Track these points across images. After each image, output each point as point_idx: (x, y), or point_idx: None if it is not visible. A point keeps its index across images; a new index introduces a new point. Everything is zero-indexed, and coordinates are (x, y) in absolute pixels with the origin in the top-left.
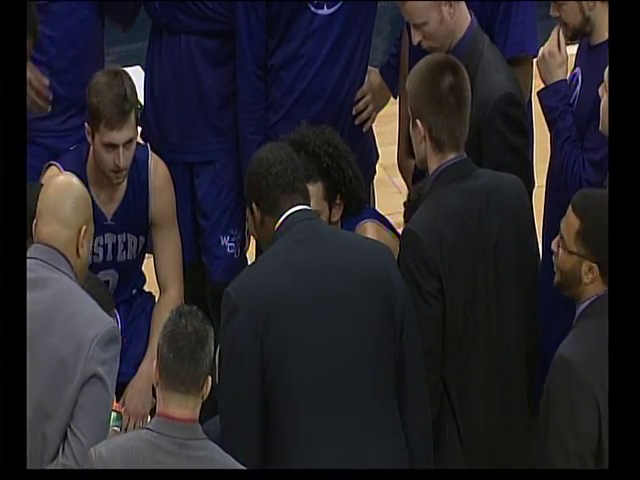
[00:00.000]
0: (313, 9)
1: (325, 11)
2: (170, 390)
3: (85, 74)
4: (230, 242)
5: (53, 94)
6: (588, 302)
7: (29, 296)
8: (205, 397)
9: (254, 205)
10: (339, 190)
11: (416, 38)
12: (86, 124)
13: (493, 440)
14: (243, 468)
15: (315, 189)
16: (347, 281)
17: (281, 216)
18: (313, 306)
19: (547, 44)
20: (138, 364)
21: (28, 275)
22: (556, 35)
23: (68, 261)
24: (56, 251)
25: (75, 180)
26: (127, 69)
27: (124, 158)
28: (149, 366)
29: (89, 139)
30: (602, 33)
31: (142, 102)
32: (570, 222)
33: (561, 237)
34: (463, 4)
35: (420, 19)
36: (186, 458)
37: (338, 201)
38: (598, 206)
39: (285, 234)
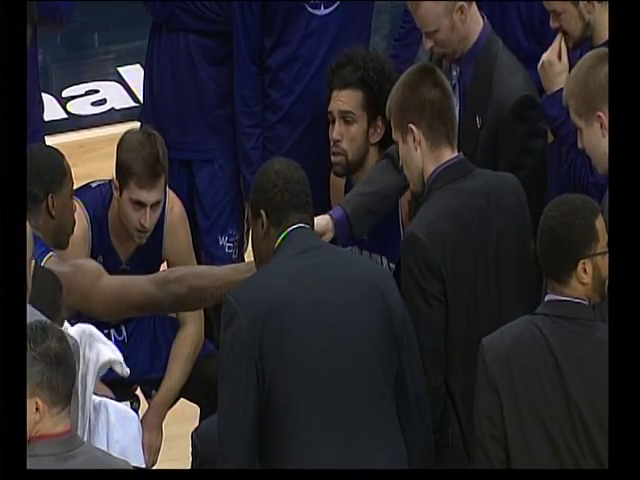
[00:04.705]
0: (310, 10)
1: (322, 11)
2: (51, 407)
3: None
4: (228, 242)
5: None
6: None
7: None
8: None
9: (263, 213)
10: (378, 108)
11: (428, 44)
12: (114, 179)
13: None
14: (128, 464)
15: (354, 94)
16: (345, 287)
17: (285, 230)
18: (311, 308)
19: (548, 52)
20: (140, 367)
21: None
22: (557, 43)
23: None
24: None
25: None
26: (126, 68)
27: (150, 219)
28: (162, 399)
29: (116, 194)
30: (603, 33)
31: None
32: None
33: None
34: (475, 9)
35: (432, 27)
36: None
37: (379, 123)
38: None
39: (285, 247)
